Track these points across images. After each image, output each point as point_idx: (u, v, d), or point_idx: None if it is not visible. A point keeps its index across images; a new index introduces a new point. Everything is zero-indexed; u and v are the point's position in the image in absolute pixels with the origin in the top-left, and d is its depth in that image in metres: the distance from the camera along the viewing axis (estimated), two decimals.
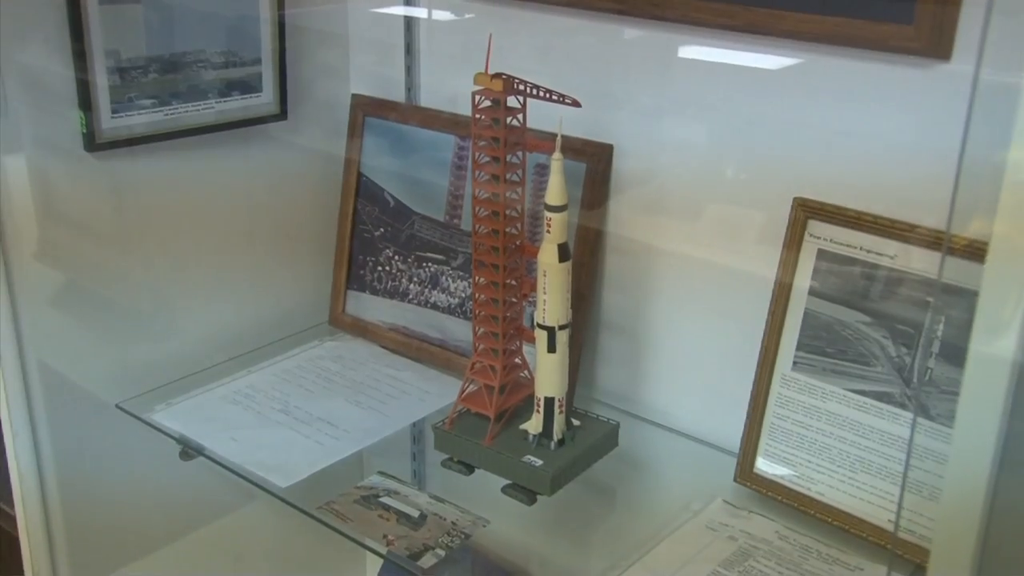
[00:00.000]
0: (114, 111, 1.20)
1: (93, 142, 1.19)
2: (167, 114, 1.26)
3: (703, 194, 1.19)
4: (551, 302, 1.07)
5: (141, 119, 1.24)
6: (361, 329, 1.49)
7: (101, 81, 1.17)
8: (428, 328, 1.43)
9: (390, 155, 1.45)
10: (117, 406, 1.26)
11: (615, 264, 1.29)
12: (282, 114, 1.40)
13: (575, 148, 1.24)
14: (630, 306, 1.28)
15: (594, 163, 1.24)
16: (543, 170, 1.28)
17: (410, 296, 1.45)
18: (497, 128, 1.05)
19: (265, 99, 1.37)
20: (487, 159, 1.08)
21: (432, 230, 1.41)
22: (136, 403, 1.27)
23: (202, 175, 1.35)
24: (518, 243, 1.12)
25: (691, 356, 1.24)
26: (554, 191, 1.04)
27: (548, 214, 1.05)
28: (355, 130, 1.47)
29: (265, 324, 1.47)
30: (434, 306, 1.43)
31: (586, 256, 1.26)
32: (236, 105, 1.34)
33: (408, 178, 1.43)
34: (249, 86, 1.34)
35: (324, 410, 1.30)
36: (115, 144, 1.22)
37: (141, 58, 1.20)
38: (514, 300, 1.13)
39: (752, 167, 1.16)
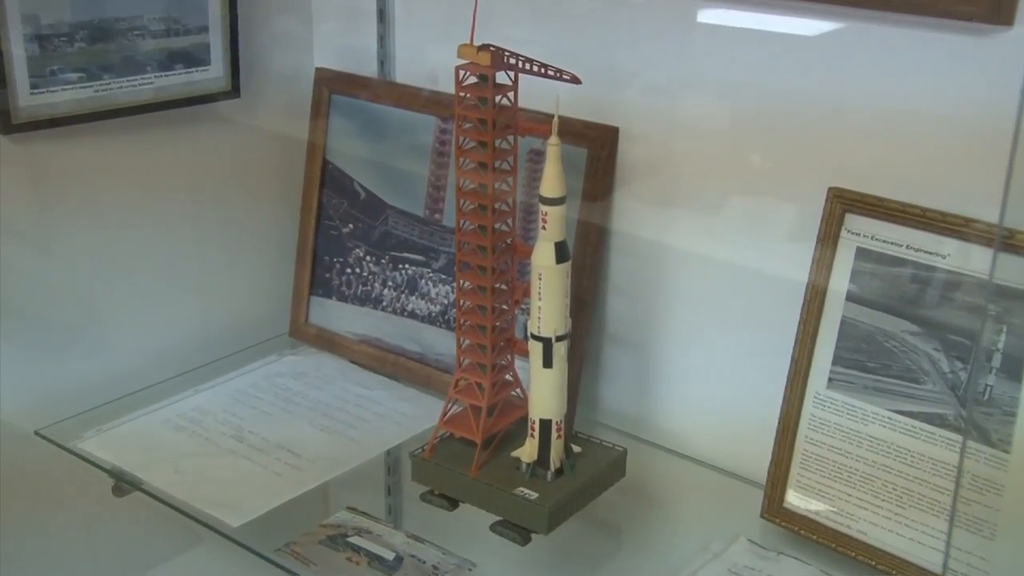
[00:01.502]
0: (33, 86, 1.17)
1: (8, 123, 1.17)
2: (97, 90, 1.23)
3: (724, 184, 1.19)
4: (547, 309, 1.07)
5: (66, 96, 1.20)
6: (327, 341, 1.48)
7: (17, 51, 1.16)
8: (405, 340, 1.42)
9: (360, 139, 1.44)
10: (37, 433, 1.24)
11: (621, 265, 1.29)
12: (233, 91, 1.38)
13: (575, 131, 1.24)
14: (639, 314, 1.29)
15: (597, 149, 1.24)
16: (538, 157, 1.27)
17: (384, 303, 1.44)
18: (484, 108, 1.06)
19: (213, 73, 1.35)
20: (473, 144, 1.08)
21: (409, 226, 1.40)
22: (60, 430, 1.25)
23: (139, 162, 1.35)
24: (509, 241, 1.12)
25: (710, 372, 1.25)
26: (550, 181, 1.05)
27: (543, 208, 1.05)
28: (319, 110, 1.46)
29: (215, 336, 1.46)
30: (412, 314, 1.42)
31: (587, 256, 1.26)
32: (179, 80, 1.31)
33: (381, 166, 1.42)
34: (194, 58, 1.32)
35: (284, 436, 1.29)
36: (35, 125, 1.21)
37: (65, 24, 1.17)
38: (504, 307, 1.14)
39: (781, 152, 1.15)
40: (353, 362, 1.45)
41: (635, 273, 1.28)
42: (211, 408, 1.34)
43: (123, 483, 1.18)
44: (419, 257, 1.40)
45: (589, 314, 1.28)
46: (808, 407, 1.10)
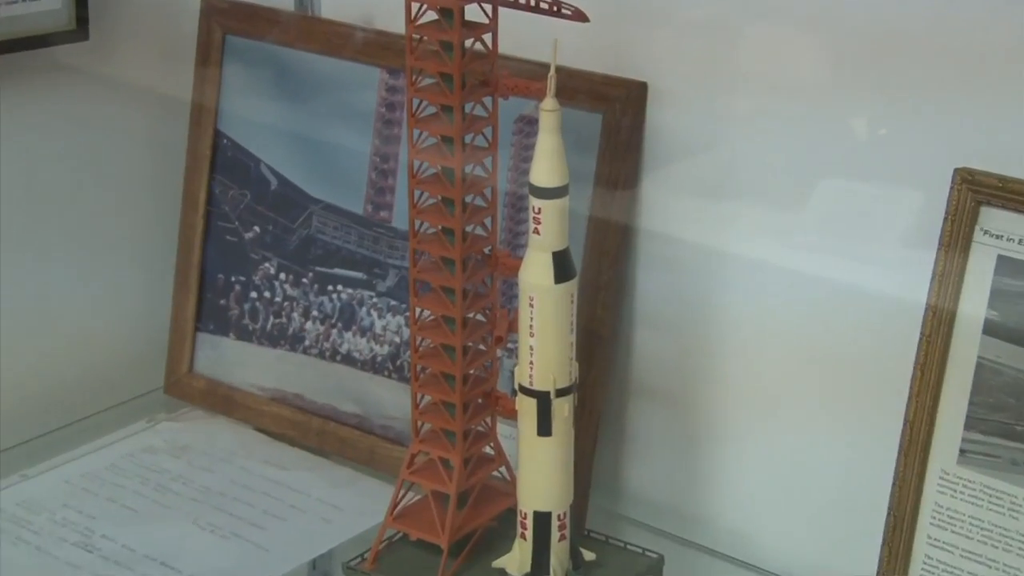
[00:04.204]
0: None
1: None
2: None
3: (798, 165, 1.20)
4: (543, 350, 1.07)
5: None
6: (221, 399, 1.49)
7: None
8: (337, 396, 1.42)
9: (269, 101, 1.44)
10: None
11: (652, 285, 1.29)
12: (79, 30, 1.39)
13: (583, 89, 1.24)
14: (679, 356, 1.29)
15: (615, 114, 1.24)
16: (529, 128, 1.27)
17: (306, 342, 1.44)
18: (449, 58, 1.06)
19: (48, 4, 1.36)
20: (433, 110, 1.09)
21: (343, 230, 1.41)
22: None
23: None
24: (487, 251, 1.13)
25: (784, 441, 1.25)
26: (546, 163, 1.05)
27: (537, 202, 1.06)
28: (208, 58, 1.46)
29: (53, 394, 1.46)
30: (347, 359, 1.42)
31: (603, 272, 1.26)
32: (1, 15, 1.32)
33: (301, 141, 1.43)
34: None
35: (155, 543, 1.28)
36: None
37: None
38: (481, 347, 1.15)
39: (882, 118, 1.16)
40: (260, 430, 1.46)
41: (673, 296, 1.28)
42: (46, 502, 1.34)
43: None
44: (357, 275, 1.40)
45: (606, 357, 1.28)
46: (930, 492, 1.10)
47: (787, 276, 1.22)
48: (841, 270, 1.19)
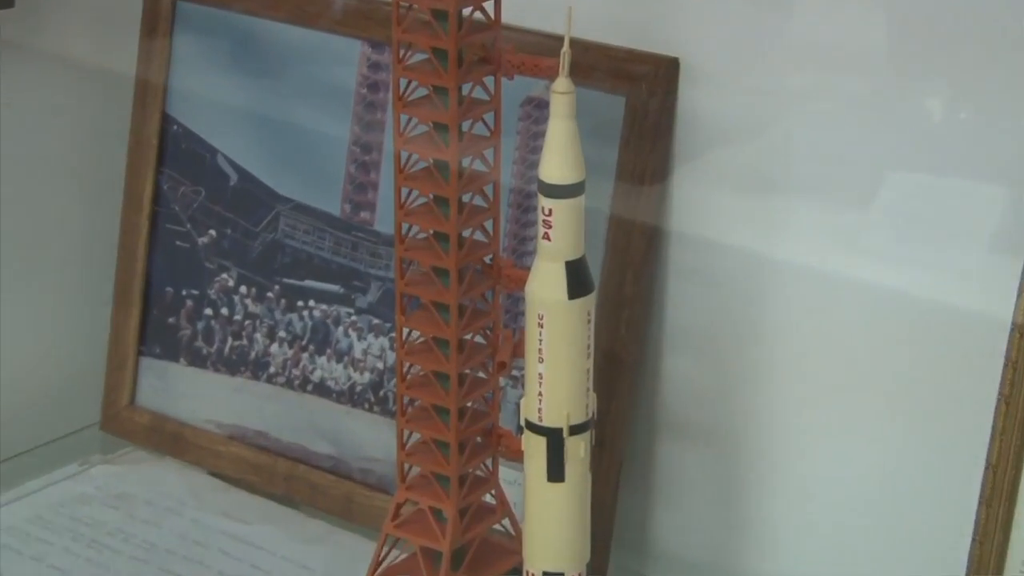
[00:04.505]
0: None
1: None
2: None
3: (863, 154, 1.20)
4: (555, 379, 1.07)
5: None
6: (169, 438, 1.49)
7: None
8: (308, 435, 1.43)
9: (229, 80, 1.45)
10: None
11: (686, 299, 1.30)
12: None
13: (604, 67, 1.25)
14: (716, 385, 1.30)
15: (642, 95, 1.25)
16: (538, 112, 1.28)
17: (271, 369, 1.45)
18: (443, 29, 1.06)
19: None
20: (424, 92, 1.09)
21: (316, 234, 1.41)
22: None
23: None
24: (488, 260, 1.14)
25: (840, 487, 1.25)
26: (558, 155, 1.05)
27: (547, 202, 1.06)
28: (155, 28, 1.47)
29: None
30: (320, 388, 1.42)
31: (627, 285, 1.27)
32: None
33: (267, 128, 1.44)
34: None
35: None
36: None
37: None
38: (481, 375, 1.16)
39: (963, 99, 1.16)
40: (216, 474, 1.46)
41: (711, 313, 1.28)
42: None
43: None
44: (333, 288, 1.41)
45: (630, 386, 1.28)
46: (1018, 549, 1.10)
47: (849, 288, 1.22)
48: (913, 281, 1.19)
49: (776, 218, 1.26)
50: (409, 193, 1.11)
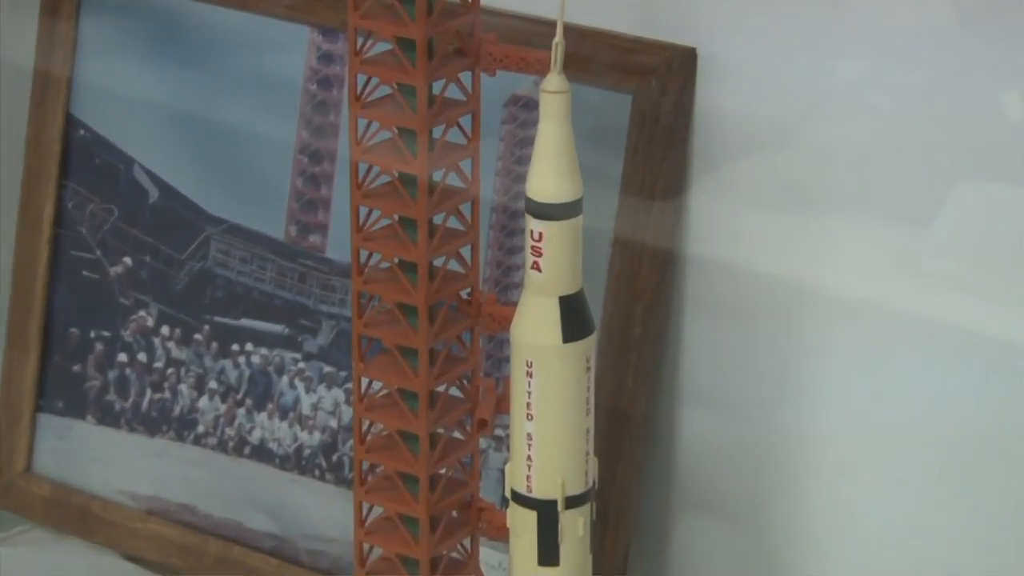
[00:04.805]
0: None
1: None
2: None
3: (926, 160, 1.20)
4: (547, 440, 1.08)
5: None
6: (75, 513, 1.48)
7: None
8: (245, 508, 1.43)
9: (148, 75, 1.45)
10: None
11: (706, 342, 1.31)
12: None
13: (605, 59, 1.26)
14: (742, 448, 1.30)
15: (651, 94, 1.26)
16: (524, 115, 1.28)
17: (200, 428, 1.45)
18: (410, 14, 1.06)
19: None
20: (387, 90, 1.09)
21: (256, 262, 1.42)
22: None
23: None
24: (465, 296, 1.14)
25: (899, 557, 1.25)
26: (550, 166, 1.05)
27: (537, 224, 1.06)
28: (57, 8, 1.47)
29: None
30: (259, 453, 1.42)
31: (634, 324, 1.28)
32: None
33: (195, 133, 1.44)
34: None
35: None
36: None
37: None
38: (457, 436, 1.16)
39: None
40: (132, 558, 1.45)
41: (737, 359, 1.29)
42: None
43: None
44: (275, 328, 1.41)
45: (639, 450, 1.29)
46: None
47: (907, 327, 1.22)
48: (988, 316, 1.19)
49: (816, 240, 1.26)
50: (369, 213, 1.11)
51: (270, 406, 1.41)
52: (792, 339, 1.27)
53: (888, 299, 1.23)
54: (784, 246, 1.27)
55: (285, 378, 1.40)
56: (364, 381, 1.14)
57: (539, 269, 1.05)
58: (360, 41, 1.08)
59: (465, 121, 1.11)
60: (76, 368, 1.49)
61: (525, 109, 1.28)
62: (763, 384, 1.29)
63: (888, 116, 1.22)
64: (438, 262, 1.11)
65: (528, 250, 1.06)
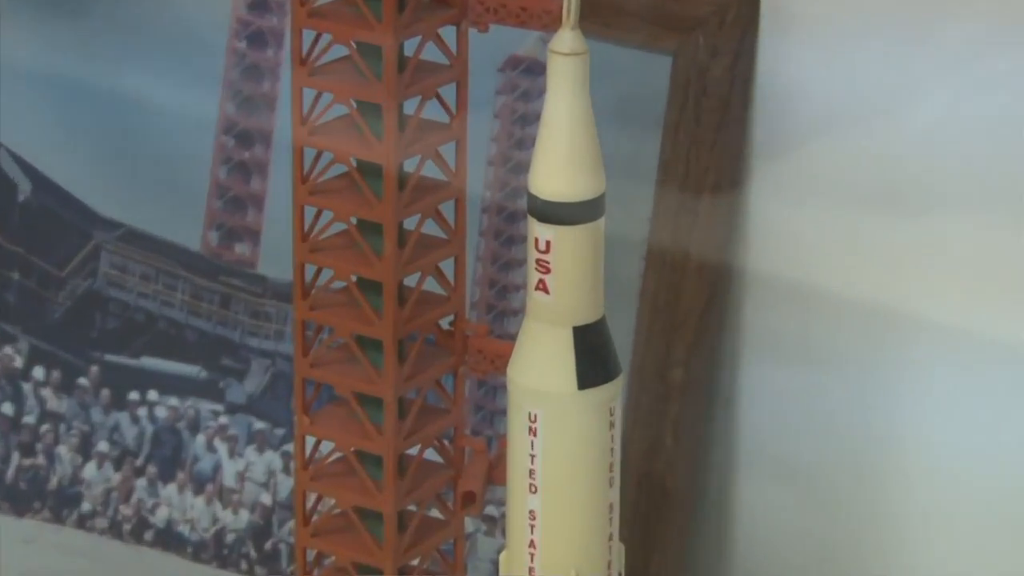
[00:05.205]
0: None
1: None
2: None
3: None
4: (555, 520, 1.08)
5: None
6: None
7: None
8: None
9: (17, 23, 1.45)
10: None
11: (768, 387, 1.32)
12: None
13: (634, 10, 1.26)
14: (816, 531, 1.32)
15: (697, 55, 1.27)
16: (526, 81, 1.29)
17: (83, 507, 1.45)
18: None
19: None
20: (343, 51, 1.11)
21: (163, 280, 1.42)
22: None
23: None
24: (447, 326, 1.15)
25: None
26: (561, 151, 1.05)
27: (542, 229, 1.06)
28: None
29: None
30: (165, 539, 1.42)
31: (673, 363, 1.29)
32: None
33: (81, 107, 1.45)
34: None
35: None
36: None
37: None
38: (435, 514, 1.17)
39: None
40: None
41: (811, 411, 1.29)
42: None
43: None
44: (189, 370, 1.41)
45: (681, 530, 1.29)
46: None
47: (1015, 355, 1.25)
48: None
49: (918, 250, 1.27)
50: (317, 215, 1.10)
51: (181, 476, 1.41)
52: (880, 380, 1.29)
53: (1000, 329, 1.26)
54: (870, 259, 1.29)
55: (201, 437, 1.40)
56: (310, 441, 1.13)
57: (546, 290, 1.04)
58: None
59: (448, 92, 1.10)
60: None
61: (528, 75, 1.28)
62: (842, 444, 1.30)
63: (1009, 87, 1.22)
64: (410, 280, 1.10)
65: (531, 265, 1.05)
